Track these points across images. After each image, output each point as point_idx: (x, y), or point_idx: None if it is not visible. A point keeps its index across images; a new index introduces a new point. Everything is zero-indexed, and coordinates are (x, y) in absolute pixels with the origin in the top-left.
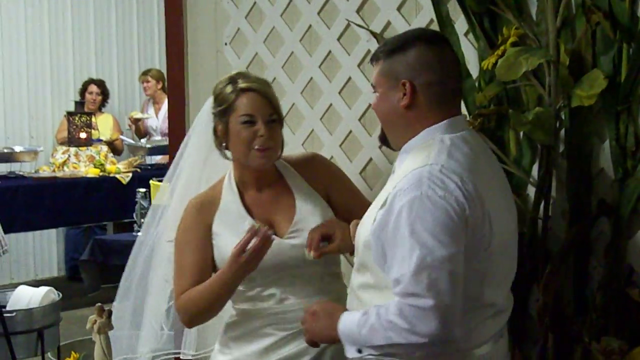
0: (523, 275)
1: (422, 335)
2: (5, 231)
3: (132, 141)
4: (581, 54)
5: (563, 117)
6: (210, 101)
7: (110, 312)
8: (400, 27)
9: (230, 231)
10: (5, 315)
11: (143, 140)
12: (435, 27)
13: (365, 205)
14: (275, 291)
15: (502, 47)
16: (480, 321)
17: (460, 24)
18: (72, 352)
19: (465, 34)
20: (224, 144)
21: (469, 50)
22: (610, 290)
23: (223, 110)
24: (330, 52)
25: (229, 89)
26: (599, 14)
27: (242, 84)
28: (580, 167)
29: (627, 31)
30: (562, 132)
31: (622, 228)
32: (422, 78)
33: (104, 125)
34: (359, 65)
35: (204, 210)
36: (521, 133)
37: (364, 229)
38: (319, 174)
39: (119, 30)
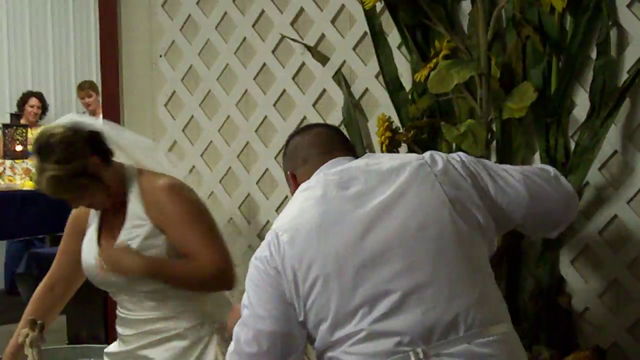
0: None
1: None
2: None
3: None
4: (512, 66)
5: (494, 129)
6: None
7: (42, 326)
8: (334, 39)
9: (86, 240)
10: None
11: None
12: (368, 39)
13: (197, 247)
14: (119, 299)
15: (434, 60)
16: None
17: (394, 37)
18: None
19: (398, 47)
20: None
21: (402, 63)
22: (542, 300)
23: None
24: (264, 64)
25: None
26: (528, 28)
27: None
28: None
29: (556, 45)
30: (494, 143)
31: (553, 238)
32: (298, 161)
33: None
34: (293, 78)
35: (76, 223)
36: (454, 145)
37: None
38: (155, 207)
39: (56, 42)
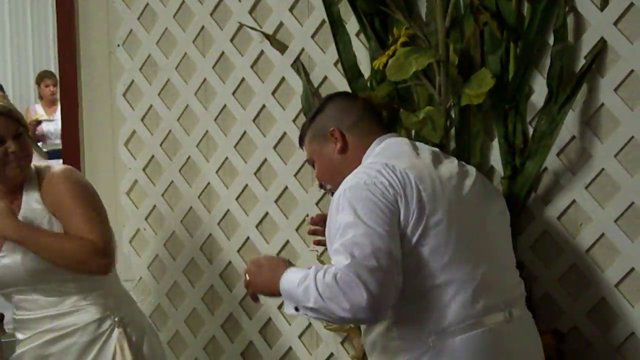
0: None
1: (349, 302)
2: None
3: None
4: (470, 53)
5: (453, 115)
6: None
7: (2, 316)
8: (292, 27)
9: None
10: None
11: (39, 144)
12: (327, 27)
13: (78, 228)
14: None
15: (392, 47)
16: (449, 300)
17: (352, 24)
18: None
19: (357, 35)
20: None
21: (361, 51)
22: None
23: None
24: (223, 53)
25: None
26: (486, 14)
27: None
28: (470, 165)
29: (513, 31)
30: (453, 130)
31: (511, 224)
32: (345, 122)
33: None
34: (252, 66)
35: None
36: (413, 132)
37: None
38: (51, 193)
39: (13, 31)
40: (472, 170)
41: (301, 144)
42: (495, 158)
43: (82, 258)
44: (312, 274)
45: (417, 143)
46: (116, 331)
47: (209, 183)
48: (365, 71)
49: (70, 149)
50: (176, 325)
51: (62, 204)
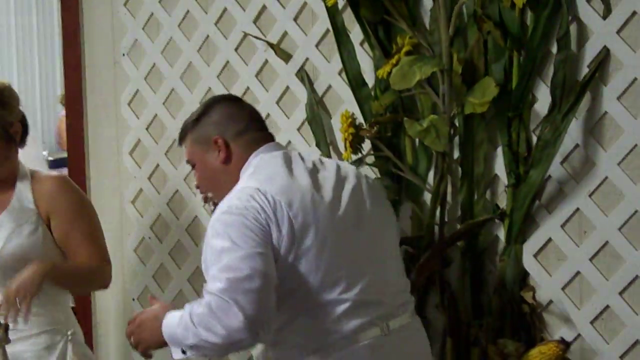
0: (421, 280)
1: (224, 328)
2: None
3: None
4: (473, 62)
5: (457, 124)
6: None
7: (7, 326)
8: (296, 37)
9: None
10: None
11: (44, 153)
12: (331, 36)
13: (81, 242)
14: None
15: (396, 56)
16: (318, 324)
17: (356, 33)
18: None
19: (361, 44)
20: None
21: (365, 60)
22: (506, 294)
23: None
24: (228, 62)
25: None
26: (489, 23)
27: None
28: (474, 173)
29: (517, 40)
30: (457, 138)
31: (516, 232)
32: (230, 130)
33: None
34: (256, 75)
35: None
36: (417, 140)
37: None
38: (46, 199)
39: (19, 40)
40: (351, 173)
41: (180, 143)
42: (499, 166)
43: (104, 278)
44: (187, 311)
45: (294, 154)
46: (69, 345)
47: None
48: (370, 80)
49: (76, 157)
50: None
51: (61, 213)
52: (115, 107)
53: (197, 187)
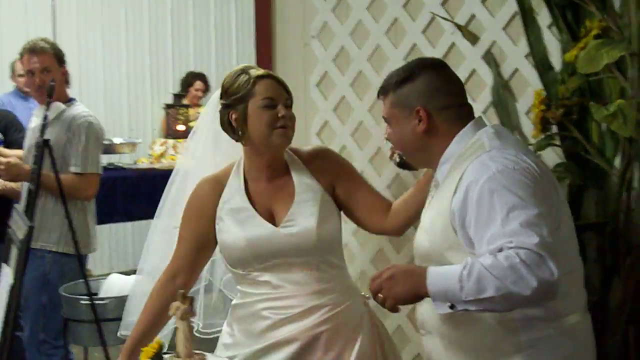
0: (604, 268)
1: (537, 280)
2: (105, 221)
3: None
4: None
5: None
6: (216, 96)
7: (192, 299)
8: (484, 19)
9: (233, 220)
10: (97, 302)
11: None
12: (518, 19)
13: (371, 194)
14: (270, 278)
15: (584, 40)
16: (573, 285)
17: (544, 16)
18: (157, 339)
19: (549, 27)
20: (240, 133)
21: (552, 43)
22: None
23: (239, 98)
24: (415, 44)
25: (243, 78)
26: None
27: (257, 72)
28: None
29: None
30: None
31: None
32: (434, 103)
33: None
34: (443, 58)
35: (216, 186)
36: (604, 125)
37: (423, 239)
38: (325, 167)
39: (218, 25)
40: None
41: (379, 97)
42: None
43: None
44: (479, 265)
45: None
46: None
47: (397, 174)
48: (556, 64)
49: None
50: None
51: (348, 175)
52: (304, 88)
53: (387, 139)
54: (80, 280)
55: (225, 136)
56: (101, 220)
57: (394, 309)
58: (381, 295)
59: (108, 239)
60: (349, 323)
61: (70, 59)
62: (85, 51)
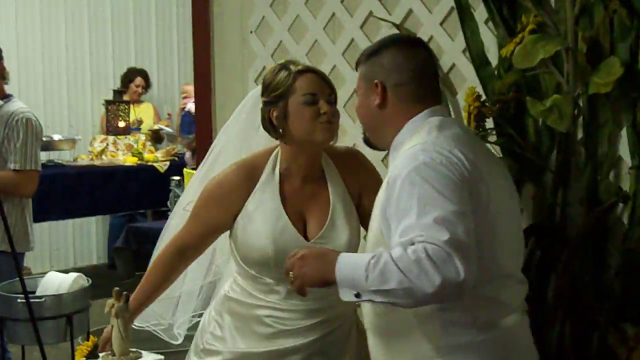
0: (540, 262)
1: (442, 277)
2: (44, 219)
3: (171, 130)
4: (599, 41)
5: (581, 104)
6: (255, 93)
7: (127, 297)
8: (421, 15)
9: (263, 219)
10: (34, 300)
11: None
12: (455, 15)
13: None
14: (283, 289)
15: (520, 35)
16: (503, 290)
17: (480, 12)
18: (92, 337)
19: (485, 22)
20: (281, 130)
21: (489, 38)
22: (628, 277)
23: (280, 94)
24: (353, 40)
25: (283, 73)
26: (616, 2)
27: (297, 67)
28: (597, 154)
29: None
30: (580, 119)
31: (639, 214)
32: (392, 78)
33: (145, 114)
34: None
35: (251, 177)
36: (540, 120)
37: (373, 227)
38: (356, 173)
39: (159, 21)
40: None
41: (356, 67)
42: (624, 148)
43: None
44: (387, 256)
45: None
46: None
47: None
48: (493, 59)
49: (204, 135)
50: None
51: (375, 186)
52: (242, 84)
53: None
54: (17, 279)
55: (254, 136)
56: (40, 218)
57: (301, 291)
58: (291, 275)
59: (48, 237)
60: (343, 335)
61: (8, 53)
62: (23, 45)
